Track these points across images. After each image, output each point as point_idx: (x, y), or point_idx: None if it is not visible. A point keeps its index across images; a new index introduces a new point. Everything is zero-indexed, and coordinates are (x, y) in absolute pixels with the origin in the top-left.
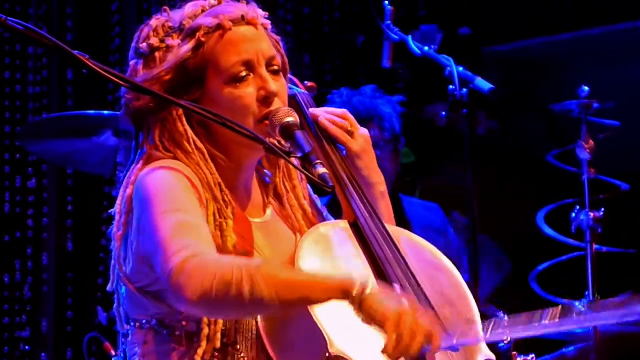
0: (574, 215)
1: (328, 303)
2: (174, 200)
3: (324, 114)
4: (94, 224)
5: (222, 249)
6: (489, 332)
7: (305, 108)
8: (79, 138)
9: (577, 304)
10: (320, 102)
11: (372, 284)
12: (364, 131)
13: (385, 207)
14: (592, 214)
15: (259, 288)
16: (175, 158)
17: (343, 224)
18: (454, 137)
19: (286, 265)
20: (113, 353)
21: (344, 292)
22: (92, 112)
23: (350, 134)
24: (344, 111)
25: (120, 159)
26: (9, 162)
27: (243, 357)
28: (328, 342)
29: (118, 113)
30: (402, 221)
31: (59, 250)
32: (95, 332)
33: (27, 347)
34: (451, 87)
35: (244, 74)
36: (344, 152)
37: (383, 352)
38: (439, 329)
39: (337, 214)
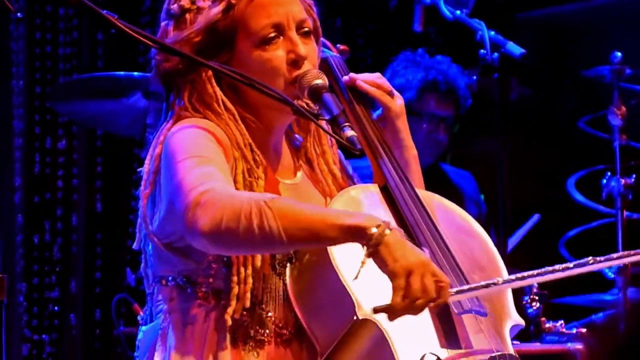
0: (604, 181)
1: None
2: (198, 150)
3: (362, 76)
4: (123, 185)
5: None
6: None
7: (337, 71)
8: (109, 99)
9: (606, 271)
10: (352, 65)
11: (392, 228)
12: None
13: (416, 172)
14: (622, 181)
15: (267, 222)
16: (205, 118)
17: (373, 187)
18: (485, 103)
19: (303, 202)
20: (141, 314)
21: (359, 231)
22: (122, 73)
23: (391, 94)
24: (378, 75)
25: (149, 121)
26: (39, 123)
27: (270, 318)
28: (356, 305)
29: (148, 74)
30: (450, 188)
31: (89, 211)
32: (124, 293)
33: (56, 308)
34: (482, 51)
35: (272, 35)
36: (375, 116)
37: (388, 308)
38: (446, 285)
39: None
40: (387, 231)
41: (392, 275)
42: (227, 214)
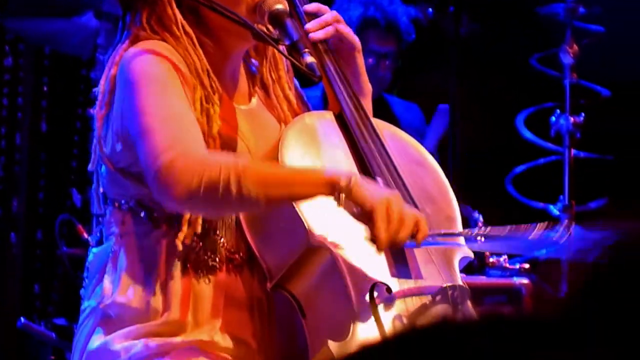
0: (553, 119)
1: (314, 199)
2: (160, 86)
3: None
4: (69, 106)
5: (207, 134)
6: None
7: None
8: (60, 17)
9: (551, 207)
10: None
11: (358, 176)
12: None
13: (369, 106)
14: (571, 119)
15: (246, 187)
16: (163, 40)
17: (329, 115)
18: (435, 37)
19: (272, 162)
20: (85, 236)
21: (331, 185)
22: None
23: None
24: (335, 13)
25: (100, 41)
26: None
27: (223, 243)
28: (309, 232)
29: None
30: (391, 119)
31: (33, 130)
32: (67, 214)
33: None
34: None
35: None
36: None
37: (372, 239)
38: (424, 220)
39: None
40: (354, 178)
41: (371, 208)
42: (204, 183)
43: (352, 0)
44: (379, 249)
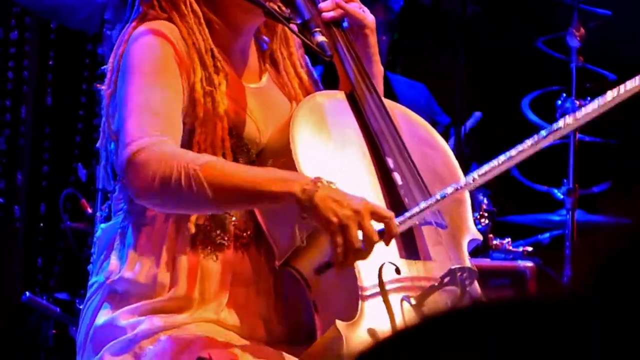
0: (559, 102)
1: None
2: (151, 76)
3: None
4: (75, 80)
5: (212, 114)
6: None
7: None
8: None
9: (555, 190)
10: None
11: (321, 182)
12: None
13: (381, 86)
14: (577, 102)
15: (197, 189)
16: (170, 19)
17: (340, 94)
18: (438, 17)
19: (237, 165)
20: (89, 210)
21: (288, 196)
22: None
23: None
24: None
25: (108, 16)
26: None
27: (234, 222)
28: None
29: None
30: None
31: (38, 104)
32: (71, 188)
33: (0, 200)
34: None
35: None
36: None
37: (330, 264)
38: (391, 218)
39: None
40: (316, 190)
41: (327, 234)
42: (158, 179)
43: None
44: (337, 271)
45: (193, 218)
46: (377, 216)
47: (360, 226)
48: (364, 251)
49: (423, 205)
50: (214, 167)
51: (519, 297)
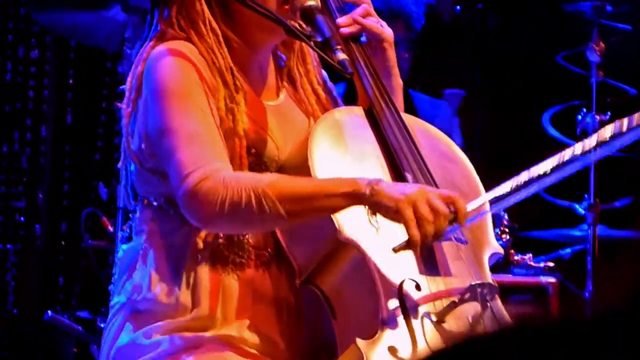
0: (580, 117)
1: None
2: (184, 99)
3: (354, 14)
4: (94, 98)
5: (233, 133)
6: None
7: None
8: (88, 10)
9: (577, 205)
10: None
11: (381, 182)
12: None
13: (400, 102)
14: (598, 117)
15: (267, 207)
16: (188, 39)
17: (358, 110)
18: (458, 34)
19: (296, 177)
20: (110, 229)
21: (355, 196)
22: None
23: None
24: (366, 5)
25: (128, 35)
26: (13, 30)
27: (247, 240)
28: (337, 228)
29: None
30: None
31: (58, 123)
32: (91, 207)
33: (21, 218)
34: None
35: None
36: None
37: (407, 241)
38: (459, 199)
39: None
40: (377, 183)
41: (399, 213)
42: (227, 206)
43: None
44: (414, 248)
45: (202, 234)
46: (442, 196)
47: (429, 203)
48: (438, 228)
49: (494, 193)
50: (279, 183)
51: (541, 317)
